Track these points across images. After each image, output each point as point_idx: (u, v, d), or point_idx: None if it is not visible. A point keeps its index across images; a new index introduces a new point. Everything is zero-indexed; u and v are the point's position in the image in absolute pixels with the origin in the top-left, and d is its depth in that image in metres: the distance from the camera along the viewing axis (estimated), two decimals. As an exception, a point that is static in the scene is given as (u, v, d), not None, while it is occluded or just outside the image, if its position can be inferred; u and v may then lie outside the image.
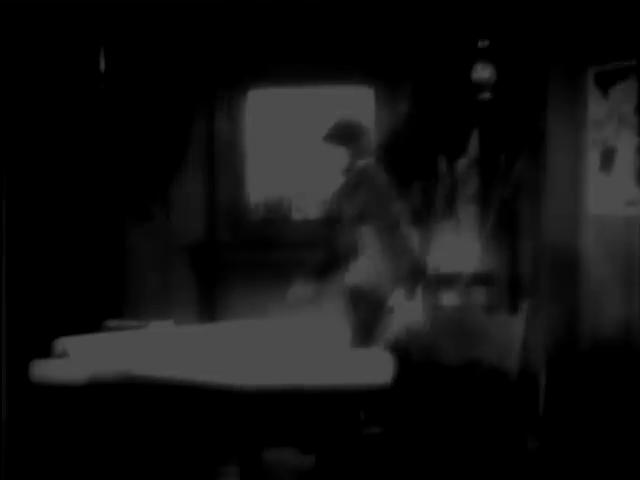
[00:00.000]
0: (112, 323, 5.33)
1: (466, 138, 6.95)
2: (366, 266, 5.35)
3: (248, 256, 7.13)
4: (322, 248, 5.58)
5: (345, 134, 5.51)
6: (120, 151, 7.06)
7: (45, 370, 4.38)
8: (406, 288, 5.30)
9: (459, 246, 6.92)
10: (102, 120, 6.87)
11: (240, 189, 7.27)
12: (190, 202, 7.25)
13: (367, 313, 5.33)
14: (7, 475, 5.29)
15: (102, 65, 6.78)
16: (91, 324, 5.24)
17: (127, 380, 4.28)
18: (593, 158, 6.20)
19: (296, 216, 7.33)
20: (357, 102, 7.22)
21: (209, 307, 7.05)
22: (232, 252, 7.15)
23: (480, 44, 6.83)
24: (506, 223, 6.90)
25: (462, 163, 6.98)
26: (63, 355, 4.51)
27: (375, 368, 4.37)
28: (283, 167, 7.30)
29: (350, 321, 5.35)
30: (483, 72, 6.84)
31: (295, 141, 7.26)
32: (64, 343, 4.56)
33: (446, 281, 6.75)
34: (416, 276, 5.34)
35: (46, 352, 4.56)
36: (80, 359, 4.43)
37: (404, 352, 4.91)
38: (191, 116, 7.16)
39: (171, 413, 4.28)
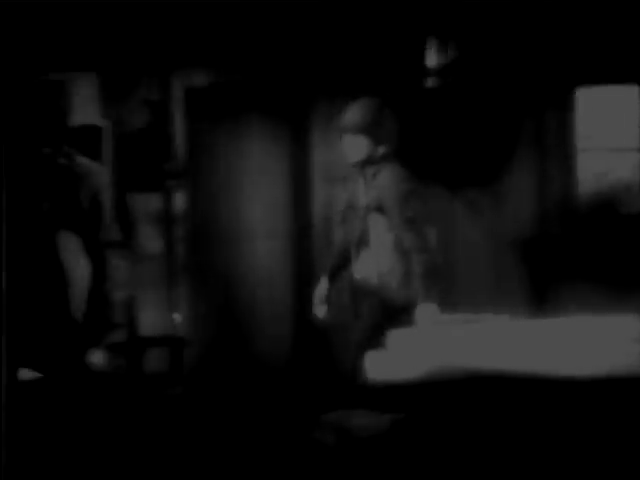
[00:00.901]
0: (444, 316, 5.22)
1: None
2: (374, 261, 5.03)
3: (577, 250, 7.18)
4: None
5: (366, 122, 5.04)
6: (453, 144, 7.28)
7: (378, 366, 4.25)
8: (421, 289, 4.92)
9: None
10: (432, 114, 7.09)
11: (570, 183, 7.34)
12: (521, 196, 7.37)
13: (374, 311, 5.05)
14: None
15: (431, 60, 7.01)
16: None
17: (472, 375, 4.09)
18: None
19: (624, 210, 7.30)
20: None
21: (540, 301, 7.17)
22: (562, 245, 7.22)
23: None
24: None
25: None
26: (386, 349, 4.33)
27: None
28: (612, 162, 7.31)
29: (355, 318, 5.13)
30: None
31: (622, 136, 7.25)
32: (396, 336, 4.39)
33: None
34: (432, 276, 4.92)
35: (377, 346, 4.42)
36: (414, 353, 4.25)
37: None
38: (522, 110, 7.28)
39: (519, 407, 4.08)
